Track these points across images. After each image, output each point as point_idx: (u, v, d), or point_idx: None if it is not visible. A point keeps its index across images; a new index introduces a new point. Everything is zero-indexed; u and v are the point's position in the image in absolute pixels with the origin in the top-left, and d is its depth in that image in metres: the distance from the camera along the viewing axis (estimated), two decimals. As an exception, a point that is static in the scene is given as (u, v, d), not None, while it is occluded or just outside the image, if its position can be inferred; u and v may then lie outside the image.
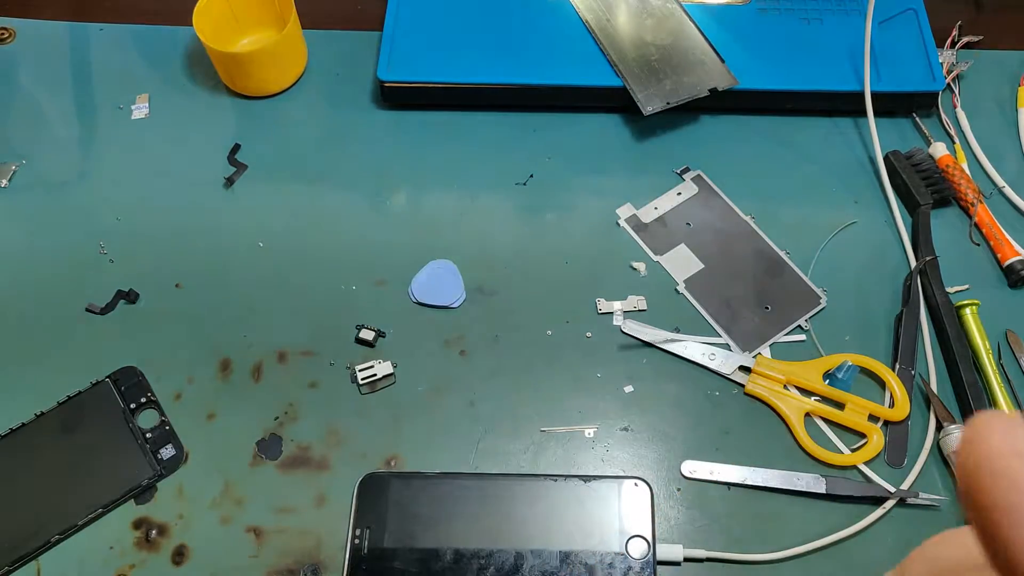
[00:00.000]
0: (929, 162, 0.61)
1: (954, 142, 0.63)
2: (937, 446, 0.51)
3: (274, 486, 0.51)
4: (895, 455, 0.51)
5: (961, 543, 0.21)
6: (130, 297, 0.57)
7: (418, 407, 0.53)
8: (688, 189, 0.61)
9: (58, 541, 0.49)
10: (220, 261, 0.59)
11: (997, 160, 0.62)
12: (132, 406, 0.53)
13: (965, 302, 0.55)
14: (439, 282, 0.57)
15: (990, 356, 0.53)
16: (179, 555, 0.49)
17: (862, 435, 0.52)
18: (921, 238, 0.58)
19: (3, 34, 0.70)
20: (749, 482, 0.50)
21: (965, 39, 0.68)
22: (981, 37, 0.68)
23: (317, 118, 0.65)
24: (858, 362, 0.53)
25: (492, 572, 0.46)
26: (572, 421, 0.53)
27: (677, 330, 0.55)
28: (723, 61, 0.63)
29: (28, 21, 0.70)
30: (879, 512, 0.49)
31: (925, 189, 0.59)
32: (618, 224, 0.60)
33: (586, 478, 0.49)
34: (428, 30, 0.65)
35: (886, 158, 0.61)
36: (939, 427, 0.51)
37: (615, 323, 0.56)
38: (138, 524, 0.50)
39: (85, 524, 0.49)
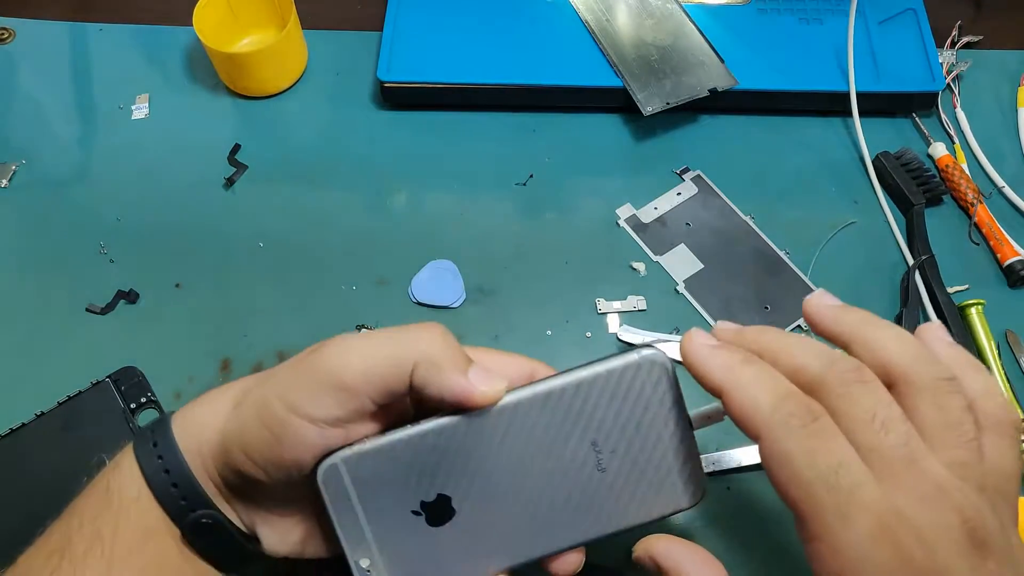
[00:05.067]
0: (917, 161, 0.61)
1: (954, 142, 0.63)
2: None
3: (274, 486, 0.51)
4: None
5: (768, 392, 0.30)
6: (130, 297, 0.57)
7: (418, 407, 0.53)
8: (688, 189, 0.61)
9: (58, 541, 0.49)
10: (220, 261, 0.59)
11: (997, 160, 0.62)
12: (132, 406, 0.53)
13: (970, 302, 0.55)
14: (439, 282, 0.57)
15: (996, 356, 0.53)
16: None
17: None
18: (916, 238, 0.58)
19: (3, 34, 0.70)
20: (745, 463, 0.50)
21: (965, 39, 0.68)
22: (981, 37, 0.68)
23: (317, 118, 0.65)
24: (858, 362, 0.53)
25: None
26: (572, 421, 0.53)
27: (677, 330, 0.55)
28: (723, 61, 0.63)
29: (28, 21, 0.71)
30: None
31: (917, 188, 0.59)
32: (618, 224, 0.60)
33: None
34: (428, 30, 0.65)
35: (876, 159, 0.61)
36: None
37: (610, 331, 0.56)
38: None
39: (85, 524, 0.50)
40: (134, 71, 0.68)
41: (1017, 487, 0.29)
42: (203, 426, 0.35)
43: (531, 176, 0.62)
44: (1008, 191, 0.60)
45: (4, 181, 0.62)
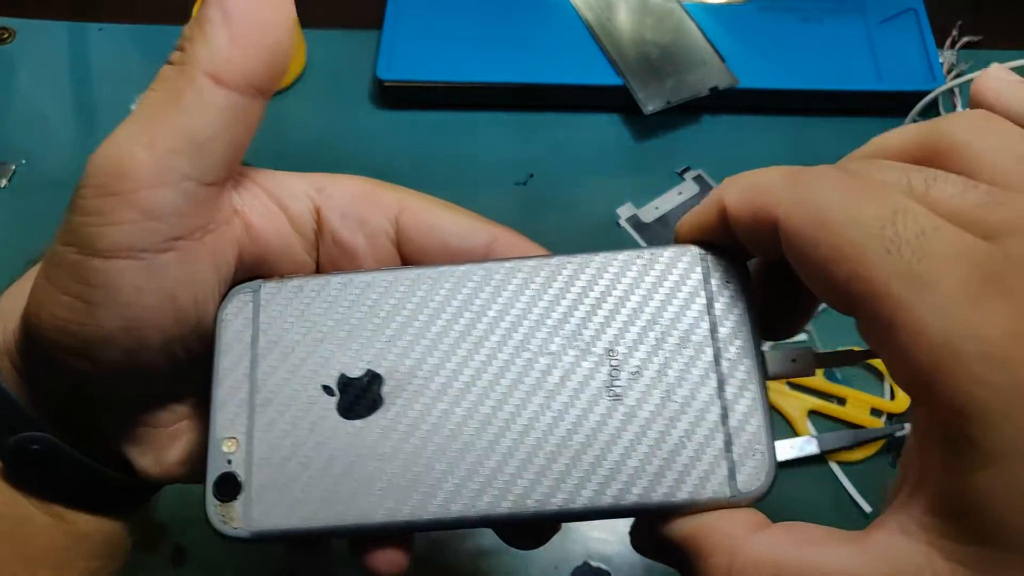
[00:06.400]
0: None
1: (954, 141, 0.63)
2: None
3: (274, 486, 0.50)
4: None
5: (774, 171, 0.21)
6: (130, 297, 0.57)
7: (418, 407, 0.53)
8: (689, 189, 0.61)
9: (57, 541, 0.49)
10: (220, 261, 0.58)
11: (997, 159, 0.62)
12: (132, 406, 0.52)
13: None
14: (439, 281, 0.57)
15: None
16: (178, 556, 0.49)
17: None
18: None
19: (3, 34, 0.70)
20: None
21: (965, 39, 0.68)
22: (981, 37, 0.68)
23: (316, 117, 0.65)
24: (859, 359, 0.53)
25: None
26: (572, 420, 0.52)
27: (678, 329, 0.55)
28: (724, 60, 0.63)
29: (28, 21, 0.70)
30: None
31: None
32: (619, 224, 0.60)
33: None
34: (428, 29, 0.65)
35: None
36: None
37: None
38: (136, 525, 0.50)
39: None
40: (134, 70, 0.68)
41: None
42: (10, 313, 0.25)
43: (531, 176, 0.62)
44: (1009, 190, 0.60)
45: (4, 181, 0.62)
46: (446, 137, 0.64)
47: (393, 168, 0.62)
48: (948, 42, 0.67)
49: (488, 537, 0.49)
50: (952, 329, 0.17)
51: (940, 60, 0.64)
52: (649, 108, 0.60)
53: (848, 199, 0.19)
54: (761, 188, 0.21)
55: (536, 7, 0.67)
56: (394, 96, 0.64)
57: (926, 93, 0.63)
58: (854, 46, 0.64)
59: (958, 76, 0.66)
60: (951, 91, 0.65)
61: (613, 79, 0.62)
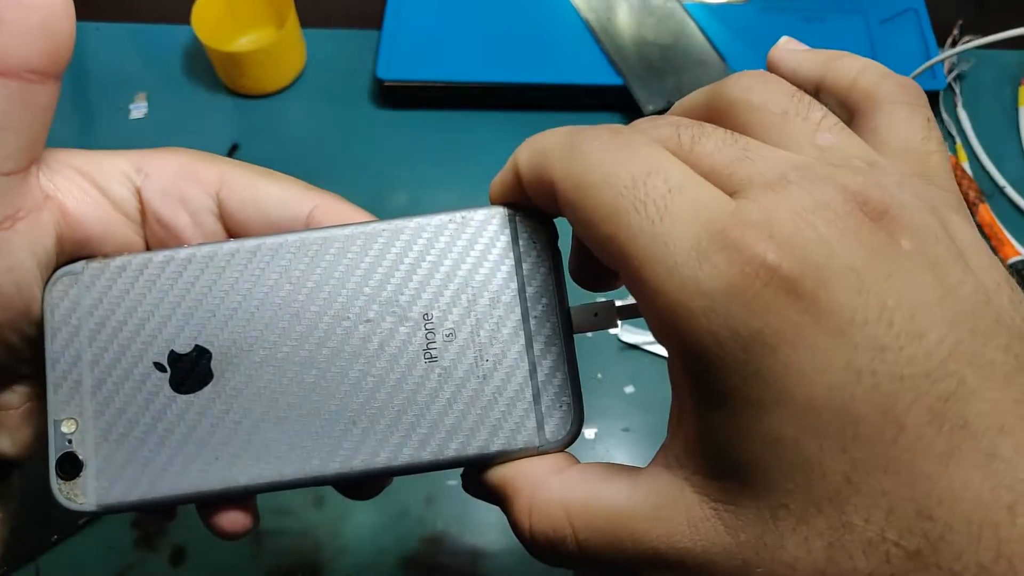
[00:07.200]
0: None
1: (955, 142, 0.63)
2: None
3: (273, 487, 0.50)
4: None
5: (557, 132, 0.22)
6: (128, 297, 0.57)
7: (418, 407, 0.53)
8: (689, 189, 0.61)
9: (58, 541, 0.49)
10: (219, 261, 0.58)
11: (998, 160, 0.62)
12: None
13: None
14: (439, 282, 0.57)
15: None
16: (178, 555, 0.49)
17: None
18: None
19: (1, 33, 0.69)
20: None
21: (965, 39, 0.67)
22: (981, 37, 0.68)
23: (316, 117, 0.65)
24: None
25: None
26: (573, 421, 0.52)
27: (678, 330, 0.55)
28: (724, 60, 0.62)
29: (26, 20, 0.70)
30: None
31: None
32: (618, 224, 0.60)
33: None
34: (428, 28, 0.65)
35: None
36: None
37: (611, 332, 0.55)
38: (137, 524, 0.50)
39: (85, 524, 0.49)
40: (132, 70, 0.67)
41: (946, 166, 0.21)
42: None
43: (531, 176, 0.62)
44: (1010, 191, 0.60)
45: (2, 180, 0.62)
46: (446, 137, 0.64)
47: (393, 168, 0.62)
48: (949, 42, 0.67)
49: (487, 537, 0.49)
50: (682, 286, 0.17)
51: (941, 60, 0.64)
52: (649, 108, 0.60)
53: (607, 159, 0.19)
54: (542, 150, 0.22)
55: (536, 7, 0.67)
56: (394, 96, 0.64)
57: (928, 93, 0.63)
58: (855, 46, 0.64)
59: (959, 76, 0.66)
60: (952, 90, 0.65)
61: (613, 79, 0.62)
